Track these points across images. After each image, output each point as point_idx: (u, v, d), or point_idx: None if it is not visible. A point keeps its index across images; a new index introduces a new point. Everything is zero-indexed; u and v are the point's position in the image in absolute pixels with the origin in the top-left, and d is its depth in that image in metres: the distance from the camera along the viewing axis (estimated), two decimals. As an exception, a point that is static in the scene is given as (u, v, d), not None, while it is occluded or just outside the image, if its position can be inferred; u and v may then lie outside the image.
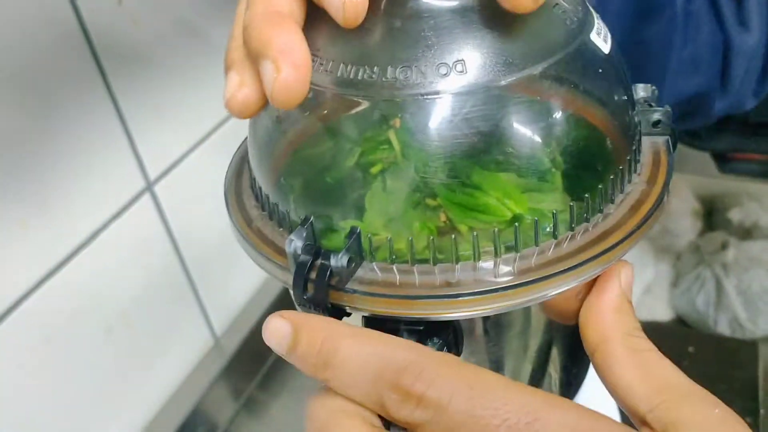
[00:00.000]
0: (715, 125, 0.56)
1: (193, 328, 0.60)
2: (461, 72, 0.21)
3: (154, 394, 0.56)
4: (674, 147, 0.27)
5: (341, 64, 0.22)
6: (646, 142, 0.26)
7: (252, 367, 0.65)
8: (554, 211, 0.22)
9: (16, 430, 0.43)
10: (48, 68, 0.42)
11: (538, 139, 0.23)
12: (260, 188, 0.26)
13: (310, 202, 0.24)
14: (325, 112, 0.24)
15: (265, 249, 0.25)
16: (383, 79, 0.22)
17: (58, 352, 0.46)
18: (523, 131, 0.22)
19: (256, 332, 0.66)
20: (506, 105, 0.22)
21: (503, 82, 0.22)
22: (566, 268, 0.22)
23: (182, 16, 0.52)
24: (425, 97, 0.21)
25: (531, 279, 0.22)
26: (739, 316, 0.81)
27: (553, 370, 0.29)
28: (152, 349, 0.56)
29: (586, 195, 0.23)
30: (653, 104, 0.27)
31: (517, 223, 0.22)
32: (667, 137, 0.26)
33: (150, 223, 0.54)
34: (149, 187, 0.53)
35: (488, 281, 0.22)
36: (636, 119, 0.26)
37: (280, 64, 0.20)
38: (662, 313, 0.87)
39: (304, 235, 0.23)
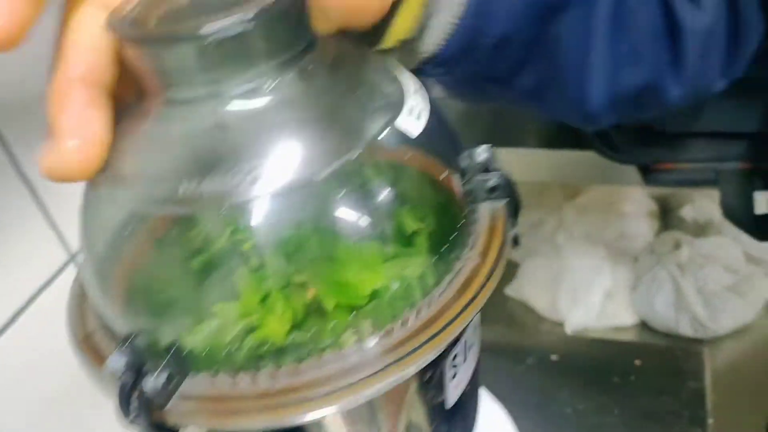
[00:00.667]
0: (632, 138, 0.55)
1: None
2: (256, 179, 0.21)
3: None
4: (517, 210, 0.26)
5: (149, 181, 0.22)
6: (486, 208, 0.26)
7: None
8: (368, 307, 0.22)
9: None
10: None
11: (363, 200, 0.22)
12: (90, 297, 0.25)
13: (134, 316, 0.24)
14: (137, 228, 0.23)
15: (97, 364, 0.24)
16: (180, 193, 0.21)
17: None
18: (333, 226, 0.22)
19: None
20: (316, 202, 0.22)
21: (314, 179, 0.21)
22: (391, 361, 0.21)
23: None
24: (226, 206, 0.21)
25: (353, 381, 0.21)
26: (699, 316, 0.80)
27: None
28: (94, 420, 0.54)
29: (410, 282, 0.22)
30: (490, 168, 0.26)
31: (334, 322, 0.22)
32: (504, 201, 0.26)
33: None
34: (73, 258, 0.52)
35: (312, 384, 0.21)
36: (469, 187, 0.25)
37: (58, 143, 0.20)
38: (625, 319, 0.86)
39: (128, 352, 0.22)
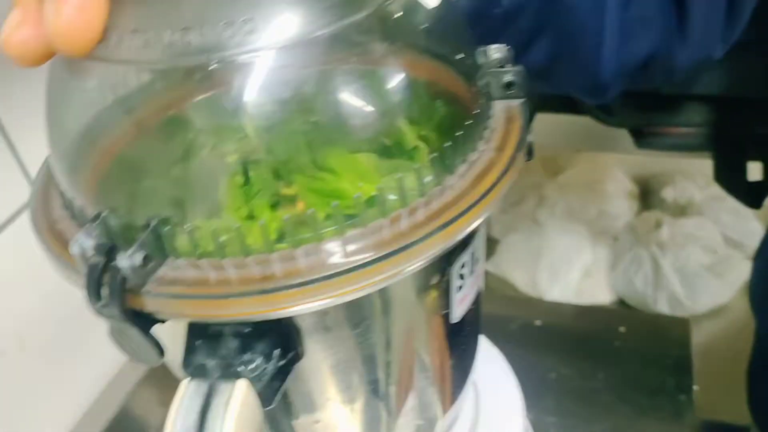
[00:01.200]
0: (626, 100, 0.54)
1: (102, 345, 0.56)
2: (251, 31, 0.18)
3: (69, 410, 0.53)
4: (533, 112, 0.24)
5: (118, 31, 0.19)
6: (500, 106, 0.24)
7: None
8: (380, 186, 0.19)
9: None
10: None
11: (353, 101, 0.20)
12: (58, 182, 0.22)
13: (105, 193, 0.21)
14: (119, 90, 0.20)
15: (60, 251, 0.21)
16: (163, 45, 0.18)
17: None
18: (335, 94, 0.20)
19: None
20: (311, 65, 0.19)
21: (308, 37, 0.19)
22: (400, 247, 0.19)
23: None
24: (214, 61, 0.18)
25: (359, 263, 0.19)
26: (678, 294, 0.80)
27: (428, 361, 0.26)
28: (61, 365, 0.52)
29: (418, 166, 0.20)
30: (507, 65, 0.24)
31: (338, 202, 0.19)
32: (522, 100, 0.24)
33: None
34: None
35: (311, 270, 0.19)
36: (484, 81, 0.23)
37: (61, 5, 0.17)
38: (603, 296, 0.86)
39: (95, 233, 0.19)
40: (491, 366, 0.36)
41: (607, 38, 0.35)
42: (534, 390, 0.38)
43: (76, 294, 0.57)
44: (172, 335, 0.21)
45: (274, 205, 0.20)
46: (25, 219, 0.47)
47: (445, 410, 0.28)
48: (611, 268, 0.88)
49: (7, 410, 0.47)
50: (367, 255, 0.19)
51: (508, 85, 0.24)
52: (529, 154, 0.24)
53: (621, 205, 0.91)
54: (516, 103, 0.24)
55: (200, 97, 0.19)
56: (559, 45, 0.36)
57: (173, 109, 0.20)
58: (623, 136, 0.77)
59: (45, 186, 0.24)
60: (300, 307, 0.19)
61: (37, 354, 0.49)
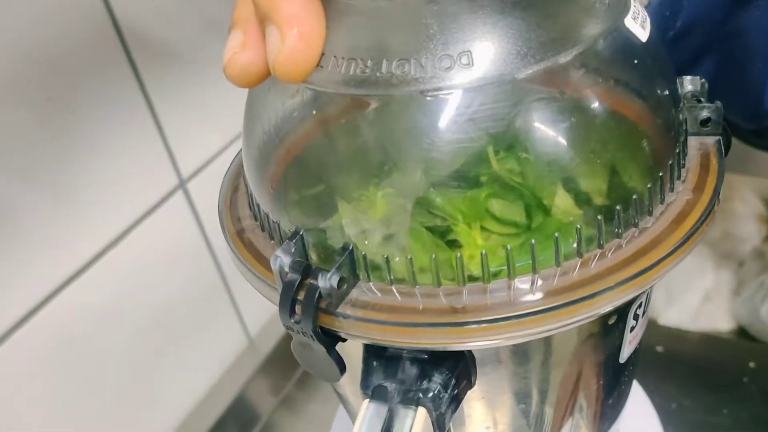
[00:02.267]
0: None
1: (227, 328, 0.59)
2: (467, 65, 0.18)
3: (187, 394, 0.55)
4: (727, 149, 0.23)
5: (333, 58, 0.19)
6: (694, 143, 0.22)
7: (288, 366, 0.62)
8: (578, 226, 0.19)
9: (49, 424, 0.43)
10: (79, 62, 0.41)
11: (560, 140, 0.19)
12: (251, 194, 0.23)
13: (300, 212, 0.21)
14: (318, 112, 0.21)
15: (253, 264, 0.22)
16: (378, 74, 0.18)
17: (84, 355, 0.45)
18: (543, 132, 0.19)
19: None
20: (522, 102, 0.19)
21: (519, 76, 0.18)
22: (594, 292, 0.18)
23: (215, 17, 0.50)
24: (426, 94, 0.18)
25: (550, 306, 0.18)
26: (809, 328, 0.73)
27: (587, 401, 0.25)
28: (183, 350, 0.54)
29: (618, 207, 0.19)
30: (702, 99, 0.22)
31: (534, 239, 0.19)
32: (717, 138, 0.22)
33: (183, 222, 0.52)
34: (182, 184, 0.51)
35: (501, 307, 0.19)
36: (681, 117, 0.22)
37: (286, 33, 0.18)
38: (722, 323, 0.80)
39: (293, 250, 0.20)
40: (636, 406, 0.34)
41: None
42: None
43: (207, 281, 0.59)
44: (344, 352, 0.21)
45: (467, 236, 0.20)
46: (170, 206, 0.50)
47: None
48: (734, 294, 0.83)
49: (136, 384, 0.49)
50: (557, 297, 0.18)
51: (705, 122, 0.22)
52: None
53: (749, 228, 0.84)
54: (711, 141, 0.22)
55: (407, 125, 0.19)
56: (725, 68, 0.35)
57: (377, 132, 0.20)
58: (759, 157, 0.72)
59: (230, 193, 0.25)
60: (486, 343, 0.19)
61: (168, 334, 0.51)
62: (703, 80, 0.23)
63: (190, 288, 0.53)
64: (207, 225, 0.53)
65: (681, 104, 0.22)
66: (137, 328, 0.49)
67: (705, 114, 0.22)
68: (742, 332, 0.79)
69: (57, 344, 0.43)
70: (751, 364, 0.52)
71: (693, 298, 0.80)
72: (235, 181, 0.26)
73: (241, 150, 0.26)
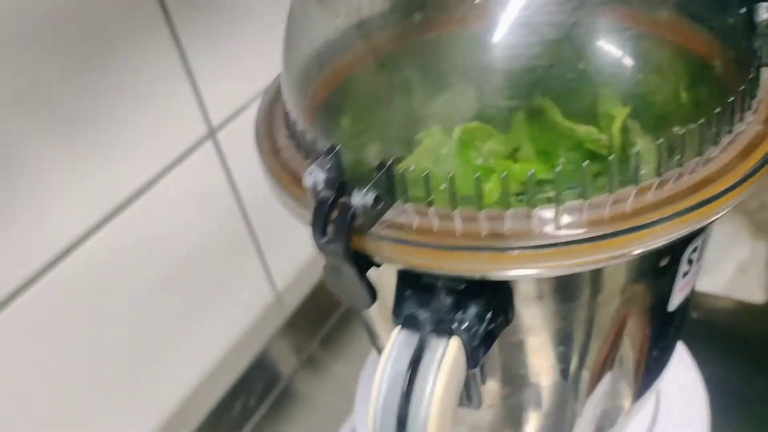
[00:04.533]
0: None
1: (254, 281, 0.58)
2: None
3: (212, 347, 0.55)
4: None
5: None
6: None
7: (313, 324, 0.62)
8: (636, 150, 0.17)
9: (76, 373, 0.43)
10: (108, 6, 0.40)
11: (621, 53, 0.17)
12: (288, 113, 0.22)
13: (340, 126, 0.20)
14: (359, 16, 0.19)
15: (286, 182, 0.21)
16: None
17: (112, 301, 0.44)
18: (603, 43, 0.17)
19: (318, 289, 0.63)
20: (588, 24, 0.17)
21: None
22: (648, 222, 0.17)
23: None
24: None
25: (599, 234, 0.17)
26: None
27: (630, 350, 0.23)
28: (210, 301, 0.54)
29: (681, 132, 0.17)
30: None
31: (587, 161, 0.17)
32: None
33: (212, 172, 0.51)
34: (212, 134, 0.50)
35: (546, 234, 0.17)
36: (755, 45, 0.20)
37: None
38: (757, 295, 0.77)
39: (328, 167, 0.19)
40: (678, 370, 0.32)
41: None
42: None
43: (235, 232, 0.58)
44: (378, 282, 0.20)
45: (513, 158, 0.19)
46: (199, 155, 0.49)
47: (636, 399, 0.25)
48: (768, 267, 0.80)
49: (160, 334, 0.49)
50: (605, 226, 0.17)
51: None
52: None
53: (790, 203, 0.81)
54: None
55: (432, 45, 0.18)
56: None
57: (414, 42, 0.19)
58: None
59: (270, 106, 0.24)
60: (528, 272, 0.18)
61: (194, 285, 0.51)
62: None
63: (218, 240, 0.52)
64: (236, 176, 0.52)
65: (756, 32, 0.20)
66: (163, 277, 0.48)
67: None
68: (777, 305, 0.76)
69: (84, 292, 0.42)
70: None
71: (728, 268, 0.77)
72: (272, 105, 0.24)
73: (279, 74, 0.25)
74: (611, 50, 0.18)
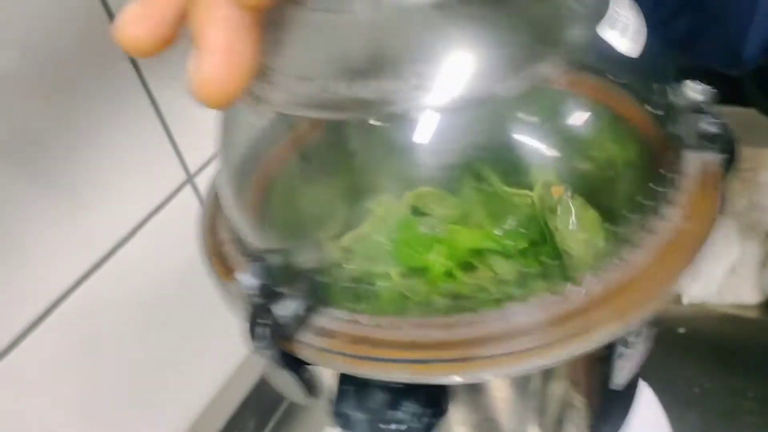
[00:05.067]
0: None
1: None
2: (417, 87, 0.16)
3: (204, 386, 0.56)
4: (731, 167, 0.20)
5: (282, 76, 0.18)
6: (695, 159, 0.20)
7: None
8: (546, 260, 0.17)
9: (64, 423, 0.44)
10: (78, 61, 0.40)
11: (559, 130, 0.18)
12: (224, 208, 0.22)
13: (266, 227, 0.20)
14: (271, 130, 0.20)
15: (225, 278, 0.21)
16: (325, 95, 0.17)
17: (98, 352, 0.45)
18: (510, 155, 0.17)
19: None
20: (491, 122, 0.17)
21: (501, 93, 0.16)
22: (567, 334, 0.17)
23: None
24: (380, 118, 0.17)
25: (517, 350, 0.17)
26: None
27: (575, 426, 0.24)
28: (201, 341, 0.54)
29: (591, 239, 0.17)
30: (707, 111, 0.20)
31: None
32: (724, 155, 0.20)
33: (193, 216, 0.52)
34: (190, 179, 0.51)
35: (465, 345, 0.17)
36: (677, 127, 0.20)
37: (204, 58, 0.16)
38: (749, 297, 0.77)
39: (259, 272, 0.19)
40: (644, 410, 0.33)
41: (755, 20, 0.34)
42: (676, 404, 0.35)
43: None
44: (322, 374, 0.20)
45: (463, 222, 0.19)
46: (179, 201, 0.50)
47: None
48: (761, 267, 0.79)
49: (152, 378, 0.49)
50: (531, 337, 0.17)
51: (710, 138, 0.20)
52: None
53: (782, 201, 0.80)
54: (715, 159, 0.20)
55: (363, 132, 0.18)
56: (705, 16, 0.35)
57: (333, 143, 0.19)
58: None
59: (212, 205, 0.24)
60: (456, 379, 0.18)
61: (183, 327, 0.51)
62: (712, 90, 0.20)
63: (205, 281, 0.53)
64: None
65: (677, 116, 0.20)
66: (152, 322, 0.49)
67: (711, 128, 0.20)
68: (768, 305, 0.76)
69: (70, 345, 0.43)
70: (778, 344, 0.50)
71: (718, 271, 0.77)
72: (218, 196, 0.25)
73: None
74: (546, 116, 0.18)
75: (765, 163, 0.86)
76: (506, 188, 0.19)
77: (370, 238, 0.20)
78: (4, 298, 0.38)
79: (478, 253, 0.18)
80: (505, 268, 0.18)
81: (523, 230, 0.18)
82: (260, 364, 0.59)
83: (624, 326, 0.17)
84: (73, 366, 0.43)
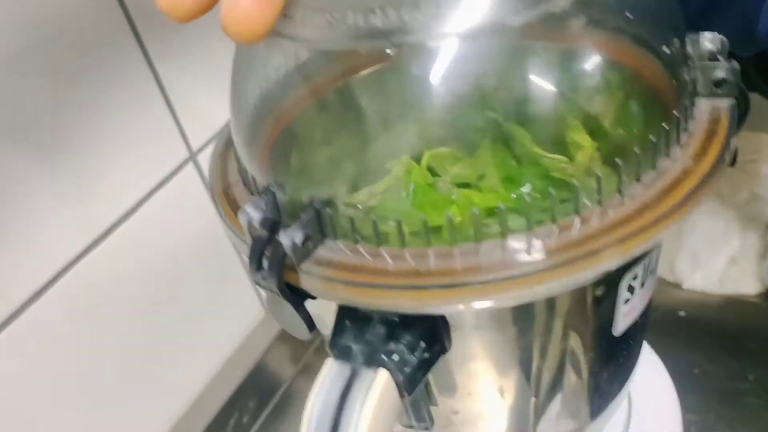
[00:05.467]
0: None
1: (243, 298, 0.59)
2: (436, 15, 0.16)
3: (205, 365, 0.55)
4: (743, 114, 0.20)
5: (301, 8, 0.18)
6: (705, 105, 0.20)
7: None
8: (551, 191, 0.17)
9: (63, 399, 0.43)
10: (82, 35, 0.40)
11: (589, 88, 0.18)
12: (235, 148, 0.22)
13: (275, 163, 0.21)
14: (300, 65, 0.20)
15: (232, 217, 0.21)
16: (345, 26, 0.17)
17: (100, 328, 0.45)
18: (525, 86, 0.18)
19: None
20: (515, 54, 0.17)
21: (511, 24, 0.17)
22: (566, 259, 0.17)
23: None
24: (403, 47, 0.17)
25: (516, 274, 0.17)
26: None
27: (577, 373, 0.24)
28: (200, 320, 0.54)
29: (597, 173, 0.18)
30: (720, 58, 0.20)
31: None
32: (731, 100, 0.20)
33: (194, 194, 0.52)
34: (192, 156, 0.51)
35: (466, 272, 0.17)
36: (689, 76, 0.20)
37: None
38: (749, 287, 0.77)
39: (264, 206, 0.19)
40: (650, 375, 0.33)
41: None
42: (676, 385, 0.35)
43: (221, 253, 0.57)
44: (323, 308, 0.21)
45: (477, 186, 0.19)
46: (183, 176, 0.50)
47: (593, 418, 0.26)
48: (761, 258, 0.79)
49: (153, 356, 0.49)
50: (529, 263, 0.17)
51: (718, 83, 0.20)
52: (734, 161, 0.20)
53: (777, 189, 0.80)
54: (725, 104, 0.20)
55: (380, 78, 0.18)
56: None
57: (351, 86, 0.19)
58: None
59: (224, 149, 0.24)
60: (453, 308, 0.18)
61: (184, 306, 0.51)
62: (722, 38, 0.21)
63: (204, 260, 0.53)
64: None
65: (692, 62, 0.20)
66: (152, 300, 0.49)
67: (719, 74, 0.20)
68: (769, 295, 0.75)
69: (72, 318, 0.43)
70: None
71: (718, 262, 0.76)
72: (230, 140, 0.25)
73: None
74: (575, 75, 0.18)
75: (765, 154, 0.86)
76: (537, 149, 0.19)
77: (385, 197, 0.20)
78: (4, 271, 0.38)
79: (493, 211, 0.18)
80: (521, 225, 0.18)
81: (539, 196, 0.18)
82: (260, 345, 0.59)
83: (624, 254, 0.17)
84: (72, 340, 0.43)
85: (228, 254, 0.56)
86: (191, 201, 0.51)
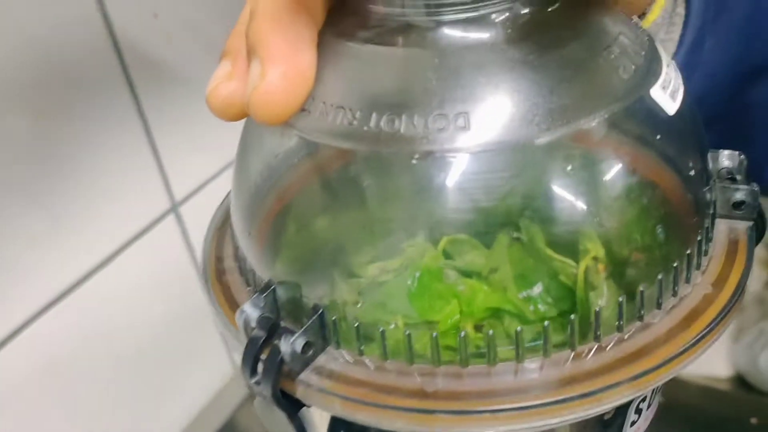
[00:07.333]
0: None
1: (213, 357, 0.56)
2: (463, 128, 0.16)
3: (171, 424, 0.53)
4: (760, 236, 0.20)
5: (321, 104, 0.17)
6: (723, 226, 0.20)
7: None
8: (571, 317, 0.16)
9: None
10: (73, 78, 0.39)
11: (607, 196, 0.17)
12: (233, 233, 0.21)
13: (277, 262, 0.19)
14: (304, 161, 0.19)
15: (226, 309, 0.20)
16: (365, 128, 0.16)
17: (67, 379, 0.42)
18: (592, 181, 0.17)
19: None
20: (522, 173, 0.17)
21: (521, 143, 0.16)
22: (583, 393, 0.16)
23: (217, 39, 0.48)
24: (415, 157, 0.16)
25: (532, 404, 0.16)
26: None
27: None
28: (169, 377, 0.52)
29: (620, 299, 0.17)
30: (738, 178, 0.20)
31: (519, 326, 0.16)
32: (750, 223, 0.20)
33: (173, 246, 0.50)
34: (174, 207, 0.49)
35: (476, 396, 0.16)
36: (708, 197, 0.19)
37: (267, 69, 0.16)
38: (721, 370, 0.77)
39: (263, 304, 0.18)
40: None
41: None
42: None
43: (194, 308, 0.56)
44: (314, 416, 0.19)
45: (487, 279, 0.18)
46: (163, 227, 0.48)
47: None
48: (733, 340, 0.79)
49: (119, 412, 0.47)
50: (543, 394, 0.16)
51: (737, 204, 0.20)
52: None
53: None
54: (743, 226, 0.20)
55: (398, 183, 0.17)
56: (729, 139, 0.35)
57: (367, 188, 0.18)
58: None
59: (221, 222, 0.23)
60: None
61: (153, 361, 0.49)
62: (742, 156, 0.20)
63: (177, 314, 0.51)
64: (197, 250, 0.52)
65: (711, 182, 0.20)
66: (122, 353, 0.46)
67: (738, 196, 0.20)
68: (740, 380, 0.75)
69: (38, 368, 0.41)
70: (753, 420, 0.49)
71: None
72: (226, 219, 0.24)
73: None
74: (595, 181, 0.17)
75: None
76: (548, 251, 0.18)
77: (391, 285, 0.19)
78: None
79: (496, 312, 0.17)
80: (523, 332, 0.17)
81: (550, 299, 0.18)
82: (228, 405, 0.56)
83: (642, 389, 0.16)
84: (34, 392, 0.40)
85: (201, 311, 0.53)
86: (168, 253, 0.49)
